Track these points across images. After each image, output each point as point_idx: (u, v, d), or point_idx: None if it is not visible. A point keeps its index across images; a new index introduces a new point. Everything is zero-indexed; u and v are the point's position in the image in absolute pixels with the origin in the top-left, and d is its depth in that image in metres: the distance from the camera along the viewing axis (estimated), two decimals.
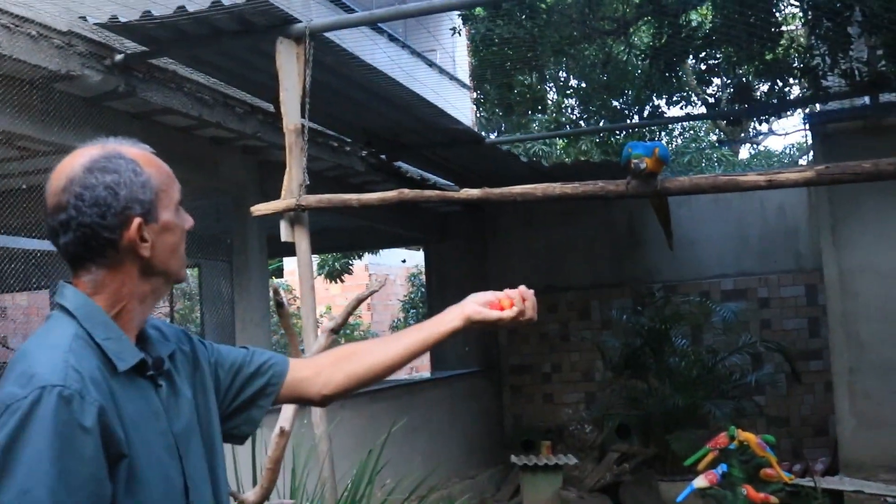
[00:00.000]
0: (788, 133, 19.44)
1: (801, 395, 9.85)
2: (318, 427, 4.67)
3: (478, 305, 1.84)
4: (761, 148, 17.39)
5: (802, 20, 7.67)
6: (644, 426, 9.28)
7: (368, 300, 17.23)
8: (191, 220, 1.69)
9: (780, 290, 10.10)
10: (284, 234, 5.12)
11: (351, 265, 15.31)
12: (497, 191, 4.83)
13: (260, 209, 5.17)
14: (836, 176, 4.31)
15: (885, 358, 8.16)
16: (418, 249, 15.11)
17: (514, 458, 8.82)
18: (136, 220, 1.55)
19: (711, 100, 8.96)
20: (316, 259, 14.36)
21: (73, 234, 1.53)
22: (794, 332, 9.98)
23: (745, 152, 17.37)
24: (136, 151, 1.61)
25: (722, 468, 5.94)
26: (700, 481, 5.94)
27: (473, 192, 4.89)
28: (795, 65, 7.39)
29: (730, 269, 10.26)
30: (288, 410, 3.12)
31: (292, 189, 5.09)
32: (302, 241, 5.11)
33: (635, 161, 4.57)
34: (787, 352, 9.22)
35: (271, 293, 3.25)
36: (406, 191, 5.15)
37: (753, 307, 10.06)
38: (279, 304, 3.09)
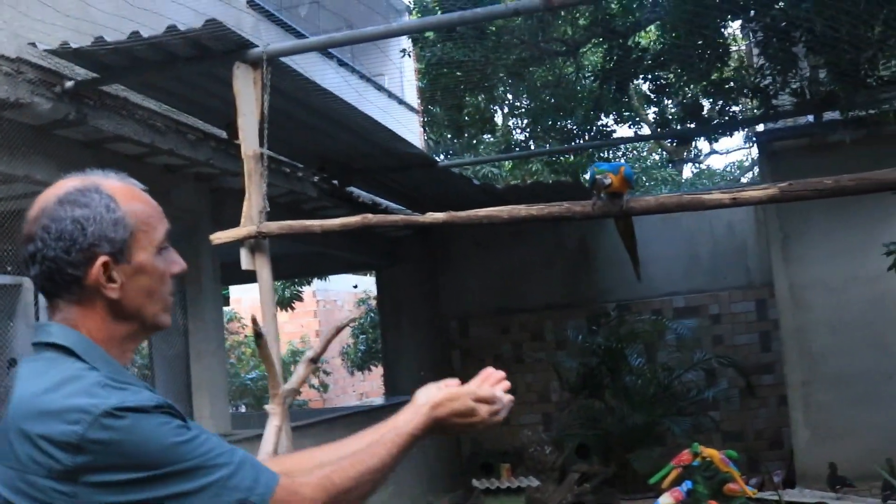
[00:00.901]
0: (730, 151, 19.85)
1: (755, 409, 9.95)
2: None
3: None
4: (703, 167, 17.70)
5: (752, 41, 7.81)
6: (603, 445, 9.29)
7: (317, 327, 17.12)
8: (181, 264, 1.59)
9: (731, 305, 10.22)
10: (245, 262, 4.99)
11: (301, 292, 15.14)
12: (463, 214, 4.78)
13: (220, 237, 5.03)
14: (799, 192, 4.36)
15: (837, 370, 8.29)
16: (366, 275, 14.98)
17: (475, 483, 8.74)
18: (101, 259, 1.45)
19: (659, 119, 9.06)
20: None
21: (39, 267, 1.46)
22: (746, 346, 10.10)
23: (687, 171, 17.67)
24: (116, 186, 1.52)
25: (687, 485, 5.98)
26: (666, 499, 5.98)
27: (439, 216, 4.82)
28: (745, 84, 7.51)
29: (681, 287, 10.35)
30: (268, 444, 3.03)
31: (252, 216, 4.98)
32: (263, 269, 4.99)
33: (599, 176, 4.60)
34: (741, 367, 9.32)
35: (251, 323, 3.15)
36: (370, 216, 5.07)
37: (705, 323, 10.16)
38: (258, 335, 3.00)
